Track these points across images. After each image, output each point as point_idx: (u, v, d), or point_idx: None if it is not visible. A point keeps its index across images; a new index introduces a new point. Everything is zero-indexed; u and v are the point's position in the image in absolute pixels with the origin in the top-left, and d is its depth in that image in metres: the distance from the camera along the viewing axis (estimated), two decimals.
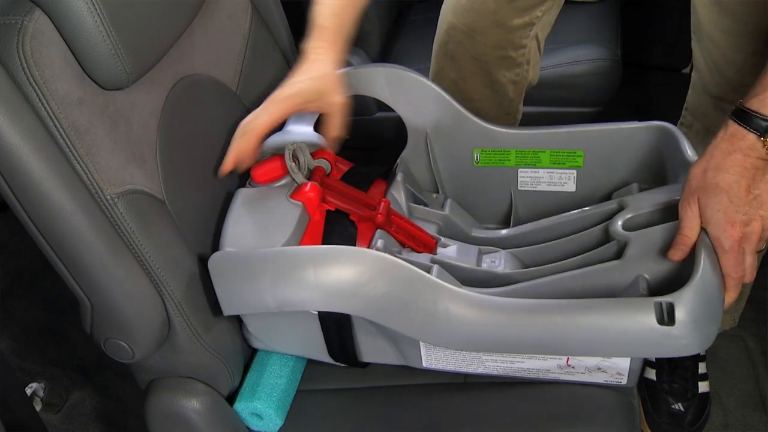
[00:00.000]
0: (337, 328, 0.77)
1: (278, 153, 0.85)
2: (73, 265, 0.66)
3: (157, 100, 0.76)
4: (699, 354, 1.21)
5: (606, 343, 0.67)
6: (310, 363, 0.89)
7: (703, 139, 1.03)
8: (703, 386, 1.18)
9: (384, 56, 1.53)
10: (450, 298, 0.69)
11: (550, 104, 1.42)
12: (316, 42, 0.82)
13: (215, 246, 0.79)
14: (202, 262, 0.76)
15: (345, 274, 0.70)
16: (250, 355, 0.87)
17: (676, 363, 1.17)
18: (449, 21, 1.11)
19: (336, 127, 0.84)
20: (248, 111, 0.91)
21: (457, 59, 1.13)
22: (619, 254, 0.76)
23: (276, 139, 0.92)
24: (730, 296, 0.68)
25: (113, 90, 0.68)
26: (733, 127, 0.66)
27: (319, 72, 0.81)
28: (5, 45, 0.60)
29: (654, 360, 1.18)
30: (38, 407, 1.35)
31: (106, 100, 0.68)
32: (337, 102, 0.83)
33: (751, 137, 0.65)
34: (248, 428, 0.84)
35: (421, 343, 0.77)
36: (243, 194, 0.82)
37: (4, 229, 1.68)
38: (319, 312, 0.75)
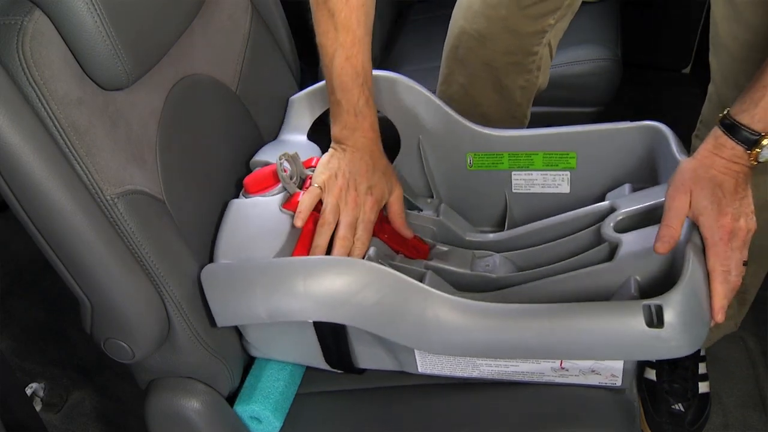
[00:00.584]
0: (333, 336, 0.77)
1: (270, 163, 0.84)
2: (73, 265, 0.66)
3: (157, 101, 0.76)
4: (699, 354, 1.21)
5: (597, 346, 0.67)
6: (309, 366, 0.89)
7: None
8: (703, 386, 1.18)
9: (384, 56, 1.53)
10: (440, 305, 0.69)
11: (550, 104, 1.41)
12: (352, 132, 0.82)
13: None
14: (202, 262, 0.76)
15: (335, 284, 0.70)
16: (250, 355, 0.87)
17: (676, 363, 1.17)
18: (460, 26, 1.10)
19: (401, 213, 0.86)
20: (248, 111, 0.92)
21: (467, 64, 1.12)
22: (610, 256, 0.76)
23: (268, 149, 0.92)
24: (717, 291, 0.66)
25: (113, 90, 0.68)
26: (722, 138, 0.68)
27: (378, 167, 0.83)
28: (5, 45, 0.60)
29: (654, 360, 1.18)
30: (38, 407, 1.35)
31: (106, 100, 0.68)
32: (398, 192, 0.85)
33: (739, 149, 0.67)
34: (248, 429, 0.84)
35: (415, 350, 0.77)
36: (236, 205, 0.82)
37: (4, 229, 1.67)
38: (314, 321, 0.75)
